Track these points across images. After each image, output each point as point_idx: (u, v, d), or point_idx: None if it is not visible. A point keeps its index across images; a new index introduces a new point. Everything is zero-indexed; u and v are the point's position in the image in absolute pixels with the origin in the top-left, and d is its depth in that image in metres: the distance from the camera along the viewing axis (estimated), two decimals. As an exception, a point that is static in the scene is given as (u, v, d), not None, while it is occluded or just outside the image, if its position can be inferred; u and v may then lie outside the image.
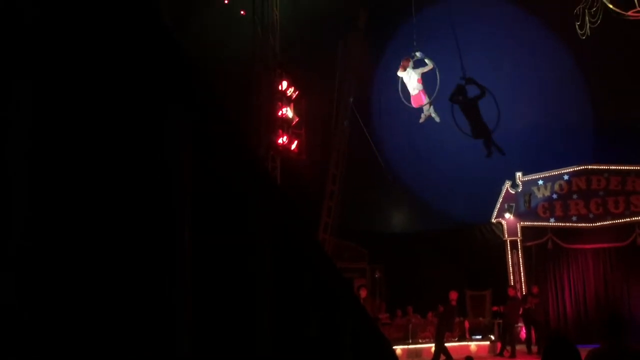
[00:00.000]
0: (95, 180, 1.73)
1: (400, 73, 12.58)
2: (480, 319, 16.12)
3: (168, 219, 1.82)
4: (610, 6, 12.55)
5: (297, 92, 14.62)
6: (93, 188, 1.72)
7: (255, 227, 2.18)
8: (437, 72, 12.17)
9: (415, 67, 12.43)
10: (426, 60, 12.32)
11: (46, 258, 1.58)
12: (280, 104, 14.28)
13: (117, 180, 1.76)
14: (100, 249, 1.70)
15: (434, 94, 12.42)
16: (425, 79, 12.56)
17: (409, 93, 12.63)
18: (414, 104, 12.66)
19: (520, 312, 14.82)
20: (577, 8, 13.11)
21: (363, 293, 13.97)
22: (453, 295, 13.91)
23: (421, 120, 12.97)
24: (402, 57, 12.47)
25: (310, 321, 2.57)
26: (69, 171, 1.68)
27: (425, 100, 12.51)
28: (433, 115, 12.93)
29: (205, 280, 1.89)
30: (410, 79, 12.48)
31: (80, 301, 1.63)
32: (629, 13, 12.61)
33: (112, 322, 1.65)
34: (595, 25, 13.01)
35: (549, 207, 16.36)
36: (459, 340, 15.09)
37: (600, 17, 12.77)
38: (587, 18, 13.06)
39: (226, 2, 14.72)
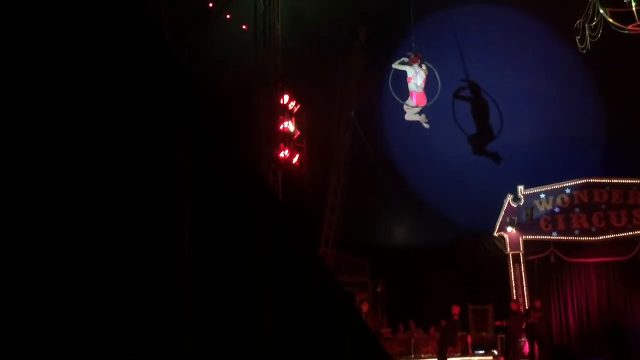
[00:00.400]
0: (96, 181, 1.73)
1: (401, 66, 12.53)
2: (483, 333, 16.02)
3: (168, 219, 1.82)
4: (611, 20, 12.60)
5: (298, 106, 14.67)
6: (93, 188, 1.72)
7: (255, 228, 2.17)
8: (438, 77, 12.24)
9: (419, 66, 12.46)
10: (423, 65, 12.42)
11: (46, 258, 1.57)
12: (281, 117, 14.32)
13: (117, 181, 1.76)
14: (100, 249, 1.69)
15: (435, 98, 12.49)
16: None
17: (407, 89, 12.61)
18: (417, 102, 12.65)
19: (523, 327, 14.72)
20: (577, 22, 13.15)
21: (365, 307, 13.91)
22: (455, 310, 13.86)
23: (407, 117, 12.90)
24: (412, 52, 12.39)
25: (309, 324, 2.56)
26: (70, 172, 1.68)
27: (426, 102, 12.56)
28: (422, 121, 12.97)
29: (205, 280, 1.88)
30: (417, 76, 12.44)
31: (81, 301, 1.62)
32: (629, 27, 12.65)
33: (112, 322, 1.64)
34: (595, 40, 13.05)
35: (551, 221, 16.31)
36: (461, 355, 14.99)
37: (601, 31, 12.81)
38: (587, 32, 13.10)
39: (228, 16, 14.84)
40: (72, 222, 1.65)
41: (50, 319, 1.55)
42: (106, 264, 1.67)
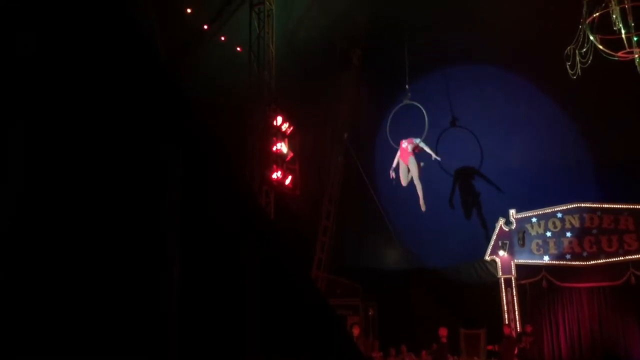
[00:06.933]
0: (85, 207, 1.71)
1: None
2: (475, 358, 15.89)
3: (158, 257, 1.79)
4: (601, 47, 12.75)
5: (291, 128, 14.71)
6: (81, 220, 1.69)
7: (246, 265, 2.15)
8: (426, 118, 13.02)
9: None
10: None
11: (39, 268, 1.55)
12: (274, 139, 14.35)
13: (107, 217, 1.73)
14: (90, 274, 1.67)
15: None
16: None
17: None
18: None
19: (516, 352, 14.64)
20: (568, 49, 13.30)
21: (356, 331, 13.80)
22: (443, 332, 13.78)
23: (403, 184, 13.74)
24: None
25: (301, 347, 2.53)
26: (61, 198, 1.66)
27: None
28: (430, 151, 13.56)
29: (195, 298, 1.86)
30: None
31: (66, 327, 1.60)
32: (619, 54, 12.80)
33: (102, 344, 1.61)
34: (586, 66, 13.19)
35: (542, 245, 16.33)
36: (453, 380, 14.85)
37: (591, 57, 12.95)
38: (577, 59, 13.25)
39: (223, 38, 14.94)
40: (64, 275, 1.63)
41: (47, 321, 1.52)
42: (97, 289, 1.64)
